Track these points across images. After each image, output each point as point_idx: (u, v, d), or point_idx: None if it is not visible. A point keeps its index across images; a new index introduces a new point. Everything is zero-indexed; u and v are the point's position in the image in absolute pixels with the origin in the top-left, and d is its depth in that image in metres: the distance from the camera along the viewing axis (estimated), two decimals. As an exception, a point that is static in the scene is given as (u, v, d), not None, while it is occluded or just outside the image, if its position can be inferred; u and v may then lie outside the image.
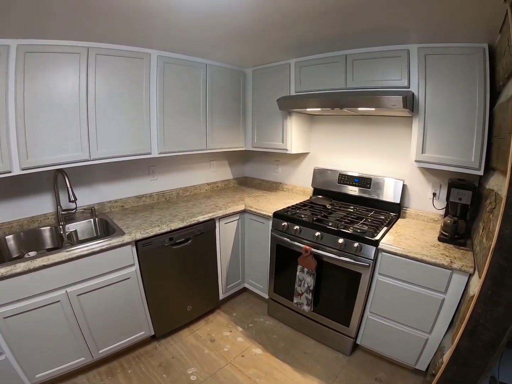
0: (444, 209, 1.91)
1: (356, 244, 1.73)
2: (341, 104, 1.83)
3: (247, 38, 1.80)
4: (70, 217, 1.95)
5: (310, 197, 2.51)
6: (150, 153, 2.04)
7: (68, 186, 1.75)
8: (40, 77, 1.53)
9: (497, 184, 1.30)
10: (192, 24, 1.54)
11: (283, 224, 2.05)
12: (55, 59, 1.56)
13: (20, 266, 1.35)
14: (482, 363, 1.09)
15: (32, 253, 1.67)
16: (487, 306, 1.03)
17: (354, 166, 2.38)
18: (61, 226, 1.87)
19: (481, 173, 1.61)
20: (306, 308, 1.95)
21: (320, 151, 2.61)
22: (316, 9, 1.35)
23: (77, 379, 1.69)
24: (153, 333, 1.96)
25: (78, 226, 1.95)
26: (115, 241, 1.64)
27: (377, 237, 1.71)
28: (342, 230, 1.81)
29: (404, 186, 2.09)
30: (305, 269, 1.89)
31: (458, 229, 1.65)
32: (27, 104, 1.51)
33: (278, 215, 2.10)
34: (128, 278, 1.75)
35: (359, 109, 1.86)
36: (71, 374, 1.69)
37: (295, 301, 2.01)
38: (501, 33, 1.33)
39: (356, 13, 1.38)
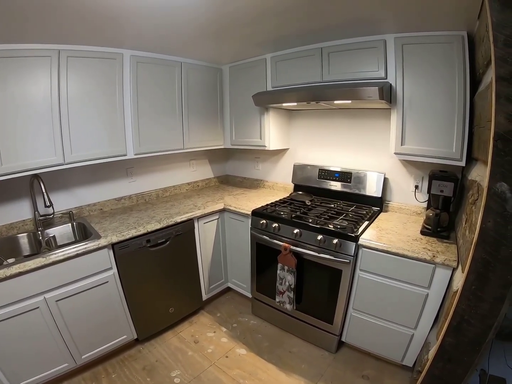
0: (427, 201, 1.88)
1: (335, 241, 1.69)
2: (317, 98, 1.79)
3: (213, 35, 1.76)
4: (48, 222, 1.93)
5: (290, 194, 2.47)
6: (125, 155, 2.01)
7: (44, 191, 1.73)
8: (12, 82, 1.51)
9: (479, 174, 1.26)
10: (151, 23, 1.51)
11: (261, 222, 2.02)
12: (26, 63, 1.53)
13: (-4, 274, 1.33)
14: (469, 360, 1.06)
15: (10, 260, 1.65)
16: (471, 302, 1.00)
17: (335, 161, 2.34)
18: (39, 232, 1.85)
19: (463, 163, 1.58)
20: (288, 306, 1.93)
21: (300, 146, 2.56)
22: (281, 4, 1.31)
23: (62, 385, 1.68)
24: (135, 336, 1.95)
25: (56, 231, 1.93)
26: (91, 245, 1.62)
27: (357, 233, 1.68)
28: (321, 226, 1.77)
29: (385, 180, 2.06)
30: (285, 267, 1.86)
31: (440, 221, 1.61)
32: (-1, 110, 1.49)
33: (257, 213, 2.07)
34: (107, 282, 1.73)
35: (336, 102, 1.82)
36: (55, 380, 1.67)
37: (277, 299, 1.99)
38: (479, 20, 1.29)
39: (329, 4, 1.34)
